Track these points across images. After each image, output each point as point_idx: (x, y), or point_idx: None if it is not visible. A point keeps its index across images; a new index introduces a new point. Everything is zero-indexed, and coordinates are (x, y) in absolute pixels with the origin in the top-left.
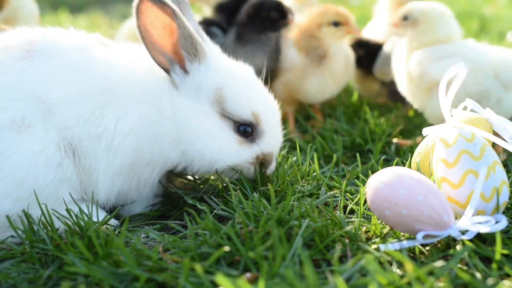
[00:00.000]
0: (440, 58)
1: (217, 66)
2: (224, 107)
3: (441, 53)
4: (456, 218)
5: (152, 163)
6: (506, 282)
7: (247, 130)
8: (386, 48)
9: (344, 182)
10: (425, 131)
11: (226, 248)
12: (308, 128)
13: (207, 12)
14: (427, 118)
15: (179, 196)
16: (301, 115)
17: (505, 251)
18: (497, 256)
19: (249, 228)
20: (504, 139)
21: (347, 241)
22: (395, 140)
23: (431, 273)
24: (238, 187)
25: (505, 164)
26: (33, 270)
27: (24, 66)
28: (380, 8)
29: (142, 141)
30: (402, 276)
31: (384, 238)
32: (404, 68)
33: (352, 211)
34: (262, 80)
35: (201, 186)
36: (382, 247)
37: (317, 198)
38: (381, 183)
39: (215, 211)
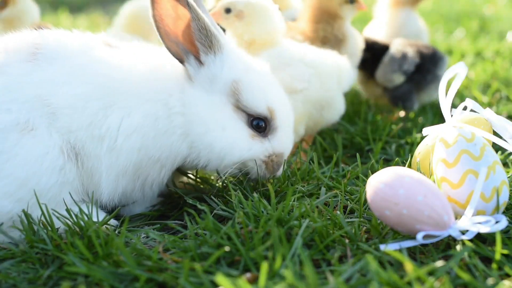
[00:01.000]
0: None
1: (235, 59)
2: (240, 98)
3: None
4: (456, 218)
5: (161, 161)
6: (506, 282)
7: (260, 124)
8: (390, 52)
9: (344, 182)
10: (425, 131)
11: (226, 248)
12: None
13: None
14: None
15: (179, 196)
16: None
17: (505, 251)
18: (497, 256)
19: (249, 228)
20: (504, 139)
21: (347, 241)
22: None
23: (431, 273)
24: (238, 187)
25: (504, 163)
26: (33, 270)
27: (29, 69)
28: (380, 8)
29: (147, 139)
30: (402, 276)
31: (384, 238)
32: None
33: (352, 211)
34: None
35: (201, 186)
36: (382, 247)
37: (317, 198)
38: (381, 183)
39: (215, 211)
